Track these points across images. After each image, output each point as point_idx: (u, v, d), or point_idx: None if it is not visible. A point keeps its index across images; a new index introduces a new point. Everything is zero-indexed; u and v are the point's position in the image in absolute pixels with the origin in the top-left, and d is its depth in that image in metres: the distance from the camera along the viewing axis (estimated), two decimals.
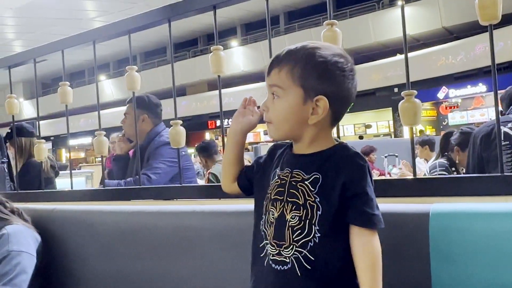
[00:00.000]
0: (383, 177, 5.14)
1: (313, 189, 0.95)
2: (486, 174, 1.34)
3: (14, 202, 1.83)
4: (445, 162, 3.08)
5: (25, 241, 1.65)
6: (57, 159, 17.94)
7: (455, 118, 12.66)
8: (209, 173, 4.15)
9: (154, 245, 1.53)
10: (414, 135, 1.35)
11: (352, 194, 0.94)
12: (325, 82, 0.96)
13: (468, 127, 3.40)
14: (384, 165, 6.40)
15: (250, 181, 1.14)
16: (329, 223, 0.94)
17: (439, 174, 2.94)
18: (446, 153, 3.17)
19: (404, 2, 1.45)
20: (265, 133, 16.16)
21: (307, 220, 0.94)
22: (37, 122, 2.49)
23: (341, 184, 0.94)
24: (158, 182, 2.36)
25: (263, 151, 5.13)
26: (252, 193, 1.12)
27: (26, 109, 18.85)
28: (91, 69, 19.69)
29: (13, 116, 2.32)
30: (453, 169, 3.04)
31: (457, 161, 3.06)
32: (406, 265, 1.08)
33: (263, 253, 1.00)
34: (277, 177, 1.02)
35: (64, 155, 20.52)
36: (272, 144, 1.14)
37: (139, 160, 2.03)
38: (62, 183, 4.19)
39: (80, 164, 12.99)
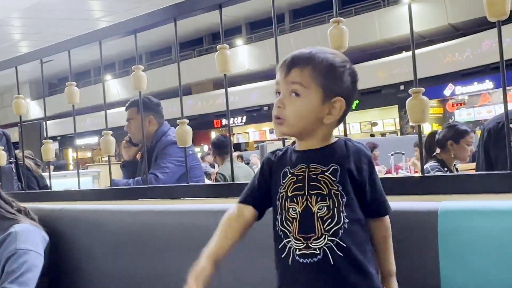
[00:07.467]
0: (390, 175, 5.13)
1: (334, 179, 0.99)
2: (495, 172, 1.33)
3: (22, 202, 1.84)
4: (436, 164, 2.96)
5: (32, 240, 1.66)
6: (63, 159, 18.02)
7: (461, 115, 12.59)
8: (217, 173, 4.14)
9: (161, 244, 1.54)
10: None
11: (366, 182, 1.01)
12: (342, 85, 1.03)
13: (454, 122, 3.29)
14: (390, 163, 6.37)
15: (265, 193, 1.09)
16: (354, 208, 1.00)
17: None
18: (433, 155, 3.04)
19: (411, 1, 1.44)
20: (271, 132, 16.14)
21: (335, 208, 0.98)
22: (44, 122, 2.50)
23: (356, 173, 1.01)
24: (165, 182, 2.36)
25: (269, 149, 5.11)
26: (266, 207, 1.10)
27: (32, 109, 18.96)
28: (97, 69, 19.77)
29: (20, 117, 2.33)
30: (445, 169, 2.94)
31: (452, 156, 2.91)
32: (415, 264, 1.08)
33: (285, 253, 1.00)
34: (290, 175, 1.03)
35: (70, 155, 20.62)
36: (265, 157, 1.12)
37: (146, 161, 2.03)
38: (68, 182, 4.22)
39: (87, 164, 13.04)
